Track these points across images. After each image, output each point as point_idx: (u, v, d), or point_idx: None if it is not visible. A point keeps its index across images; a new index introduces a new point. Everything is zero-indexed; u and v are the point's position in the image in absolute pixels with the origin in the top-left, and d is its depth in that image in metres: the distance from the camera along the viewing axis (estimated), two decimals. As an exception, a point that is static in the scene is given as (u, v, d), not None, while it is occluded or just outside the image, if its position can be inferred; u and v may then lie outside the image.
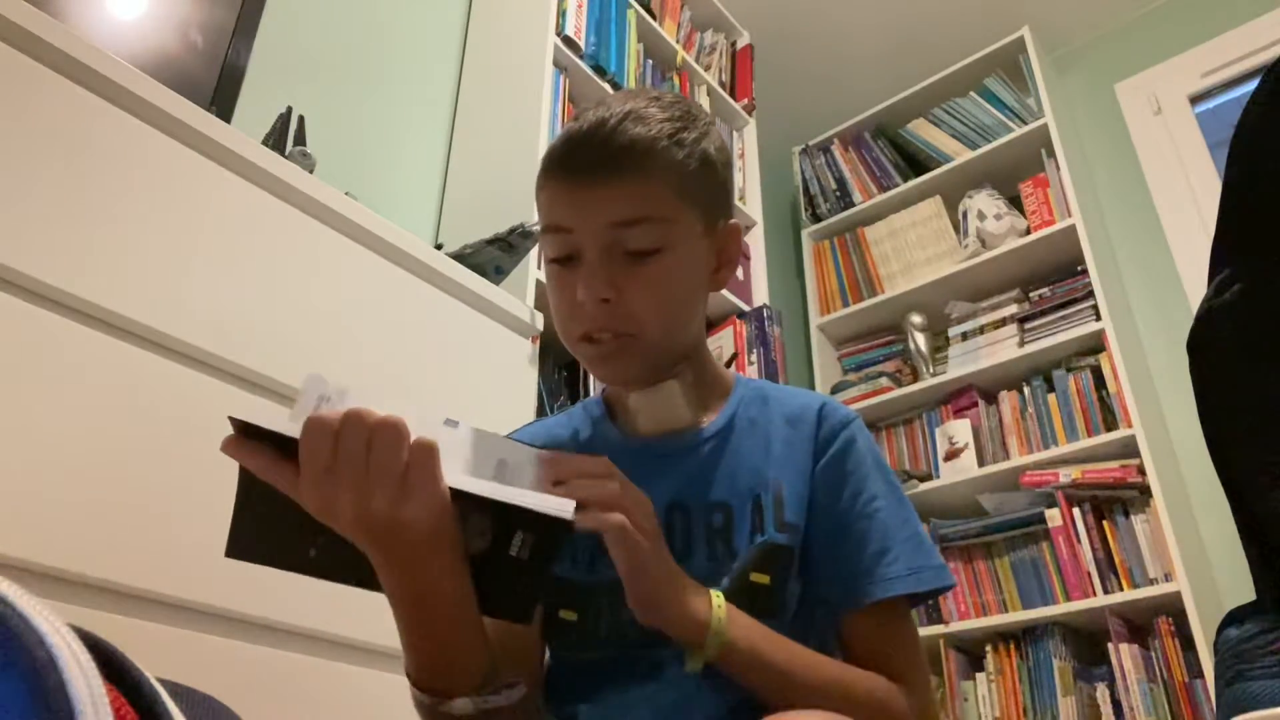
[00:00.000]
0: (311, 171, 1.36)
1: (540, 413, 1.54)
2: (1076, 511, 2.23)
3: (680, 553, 0.73)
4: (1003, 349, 2.55)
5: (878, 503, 0.74)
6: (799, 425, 0.78)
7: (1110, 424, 2.29)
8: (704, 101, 2.52)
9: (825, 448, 0.76)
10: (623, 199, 0.71)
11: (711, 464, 0.76)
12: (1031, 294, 2.60)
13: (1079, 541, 2.21)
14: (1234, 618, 0.63)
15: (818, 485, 0.75)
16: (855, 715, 0.57)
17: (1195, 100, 2.69)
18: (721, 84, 2.65)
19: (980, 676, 2.27)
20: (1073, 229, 2.47)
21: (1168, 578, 2.06)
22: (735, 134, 2.66)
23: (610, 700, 0.71)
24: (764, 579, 0.71)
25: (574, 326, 0.74)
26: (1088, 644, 2.23)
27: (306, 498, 0.56)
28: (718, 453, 0.77)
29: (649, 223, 0.71)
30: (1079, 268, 2.46)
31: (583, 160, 0.72)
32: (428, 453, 0.55)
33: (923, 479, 2.54)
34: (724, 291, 2.26)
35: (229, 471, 0.58)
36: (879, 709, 0.67)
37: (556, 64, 1.99)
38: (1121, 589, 2.12)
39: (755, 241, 2.52)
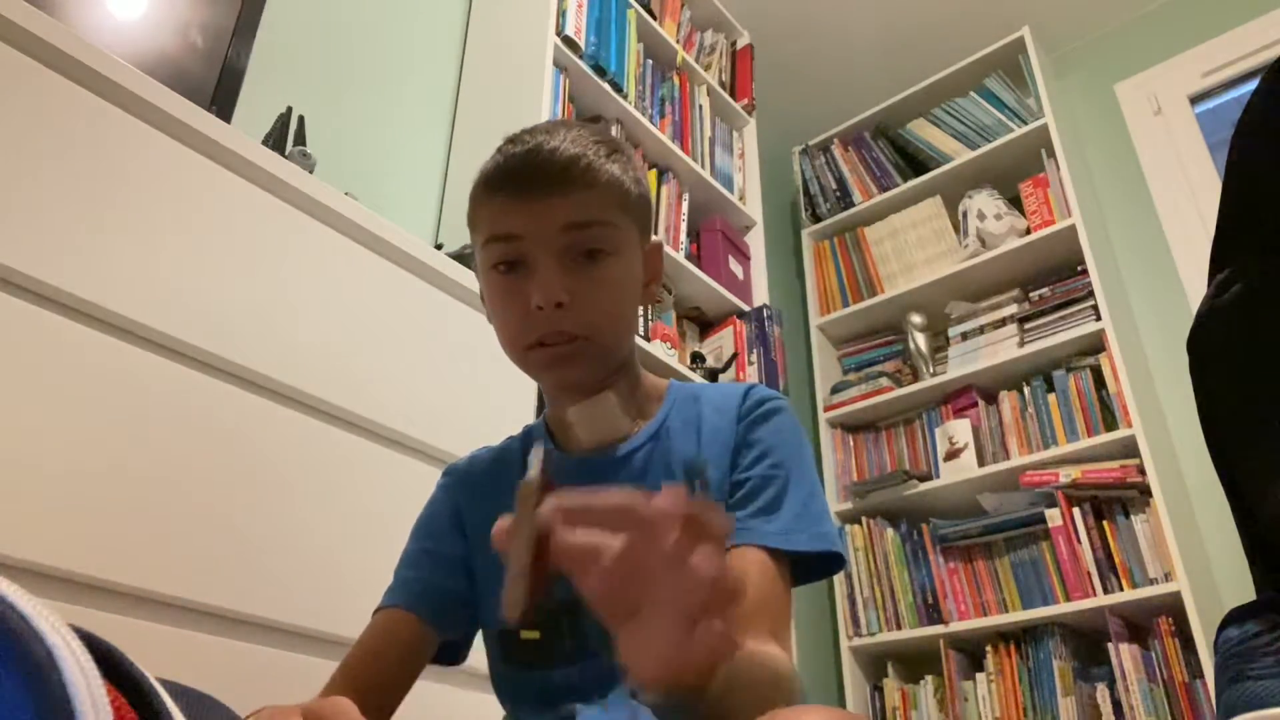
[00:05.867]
0: (311, 171, 1.36)
1: (540, 413, 1.53)
2: (1076, 511, 2.23)
3: None
4: (1003, 349, 2.55)
5: (779, 470, 0.76)
6: (725, 409, 0.80)
7: (1110, 424, 2.29)
8: (704, 101, 2.53)
9: (745, 417, 0.79)
10: (574, 204, 0.74)
11: (650, 468, 0.78)
12: (1031, 294, 2.60)
13: (1079, 541, 2.21)
14: (1234, 618, 0.63)
15: (736, 451, 0.78)
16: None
17: (1195, 100, 2.69)
18: (721, 84, 2.65)
19: (980, 676, 2.27)
20: (1073, 229, 2.47)
21: (1168, 578, 2.06)
22: (735, 134, 2.66)
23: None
24: None
25: (526, 333, 0.75)
26: (1088, 644, 2.23)
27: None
28: (654, 455, 0.79)
29: (599, 226, 0.75)
30: (1079, 268, 2.46)
31: (532, 174, 0.75)
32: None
33: (923, 479, 2.54)
34: (724, 291, 2.27)
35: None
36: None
37: (556, 64, 1.99)
38: (1121, 589, 2.12)
39: (755, 241, 2.52)
